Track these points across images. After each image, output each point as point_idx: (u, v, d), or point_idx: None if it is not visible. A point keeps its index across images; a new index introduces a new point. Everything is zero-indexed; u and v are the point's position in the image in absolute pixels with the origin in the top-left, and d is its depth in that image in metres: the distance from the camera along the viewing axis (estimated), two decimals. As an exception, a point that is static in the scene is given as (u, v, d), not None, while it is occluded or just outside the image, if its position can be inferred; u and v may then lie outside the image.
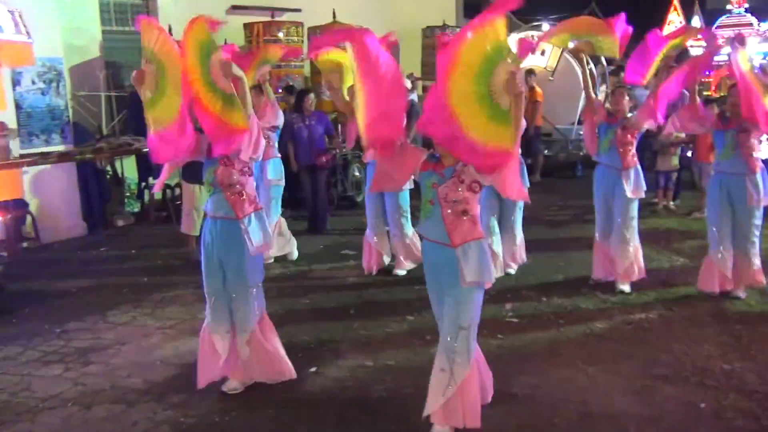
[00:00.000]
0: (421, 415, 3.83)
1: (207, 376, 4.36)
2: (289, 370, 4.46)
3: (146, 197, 9.79)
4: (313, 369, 4.67)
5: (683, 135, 8.84)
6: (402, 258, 6.81)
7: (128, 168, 9.90)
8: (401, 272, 6.81)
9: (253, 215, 4.31)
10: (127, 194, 9.98)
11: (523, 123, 5.74)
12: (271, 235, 4.49)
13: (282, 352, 4.48)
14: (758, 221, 5.78)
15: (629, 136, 5.94)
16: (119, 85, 10.33)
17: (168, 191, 9.53)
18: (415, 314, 5.65)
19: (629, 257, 6.04)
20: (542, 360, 4.71)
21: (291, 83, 10.43)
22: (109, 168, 9.59)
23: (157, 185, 4.68)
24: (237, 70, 4.10)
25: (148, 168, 9.42)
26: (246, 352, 4.35)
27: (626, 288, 6.04)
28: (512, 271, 6.66)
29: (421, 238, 3.91)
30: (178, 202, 8.91)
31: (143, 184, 9.81)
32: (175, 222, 8.07)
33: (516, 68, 3.40)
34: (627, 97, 6.22)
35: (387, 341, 5.13)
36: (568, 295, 5.99)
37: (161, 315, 5.87)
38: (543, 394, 4.21)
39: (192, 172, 7.44)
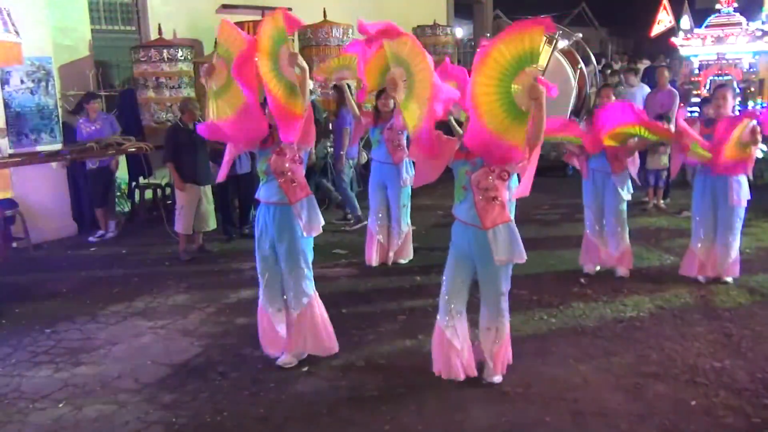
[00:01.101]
0: (413, 414, 3.84)
1: (272, 348, 4.77)
2: (335, 346, 4.83)
3: (137, 197, 9.75)
4: (304, 369, 4.67)
5: (673, 134, 8.89)
6: (400, 249, 7.05)
7: (118, 167, 9.83)
8: (403, 261, 7.08)
9: (305, 200, 4.65)
10: (118, 194, 9.91)
11: None
12: (320, 219, 4.79)
13: (330, 328, 4.82)
14: (739, 216, 6.02)
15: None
16: (109, 85, 10.28)
17: (159, 191, 9.50)
18: (407, 314, 5.65)
19: (625, 244, 6.33)
20: (533, 358, 4.72)
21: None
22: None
23: (221, 174, 4.89)
24: (302, 62, 4.45)
25: (138, 167, 9.38)
26: (300, 327, 4.70)
27: (626, 274, 6.34)
28: None
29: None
30: (169, 202, 8.89)
31: (134, 183, 9.77)
32: (166, 222, 8.04)
33: (539, 75, 3.70)
34: (613, 97, 6.29)
35: (379, 341, 5.13)
36: (559, 293, 6.01)
37: (152, 315, 5.85)
38: (534, 393, 4.22)
39: (194, 171, 7.45)
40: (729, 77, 9.99)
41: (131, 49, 9.86)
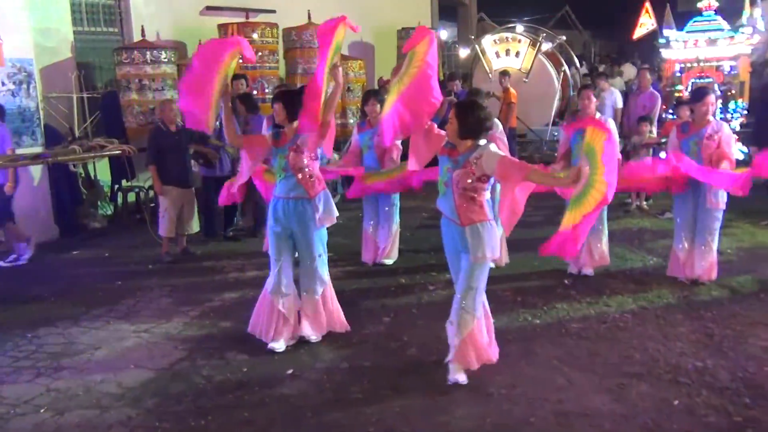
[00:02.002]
0: (398, 416, 3.84)
1: (266, 334, 5.01)
2: (345, 325, 5.29)
3: (119, 200, 9.69)
4: (289, 371, 4.66)
5: (655, 135, 8.97)
6: (389, 249, 7.10)
7: (101, 170, 9.78)
8: (388, 261, 7.13)
9: (322, 193, 5.01)
10: (101, 197, 9.85)
11: (499, 124, 5.96)
12: (334, 210, 5.12)
13: (340, 310, 5.28)
14: (718, 219, 6.09)
15: None
16: (91, 87, 10.20)
17: (141, 193, 9.45)
18: (392, 316, 5.66)
19: (601, 246, 6.46)
20: (518, 360, 4.73)
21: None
22: (81, 170, 9.46)
23: (240, 179, 5.45)
24: (339, 78, 4.89)
25: (121, 170, 9.33)
26: (316, 311, 5.10)
27: (591, 272, 6.47)
28: (492, 265, 6.77)
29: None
30: (153, 205, 8.84)
31: (116, 186, 9.71)
32: (149, 224, 7.99)
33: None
34: (594, 99, 6.34)
35: (364, 343, 5.13)
36: (543, 295, 6.03)
37: (135, 319, 5.81)
38: (519, 394, 4.23)
39: (176, 174, 7.40)
40: (710, 79, 10.10)
41: (114, 51, 9.80)
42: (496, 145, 4.33)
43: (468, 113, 4.20)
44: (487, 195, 4.30)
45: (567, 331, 5.23)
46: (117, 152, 7.75)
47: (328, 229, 5.19)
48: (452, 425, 3.90)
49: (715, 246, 6.17)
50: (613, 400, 4.13)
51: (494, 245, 4.25)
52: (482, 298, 4.41)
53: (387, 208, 6.99)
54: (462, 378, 4.29)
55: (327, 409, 4.14)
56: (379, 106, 6.61)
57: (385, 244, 7.06)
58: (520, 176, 4.12)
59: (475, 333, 4.33)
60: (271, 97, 10.05)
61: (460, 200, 4.19)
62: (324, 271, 5.13)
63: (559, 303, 5.83)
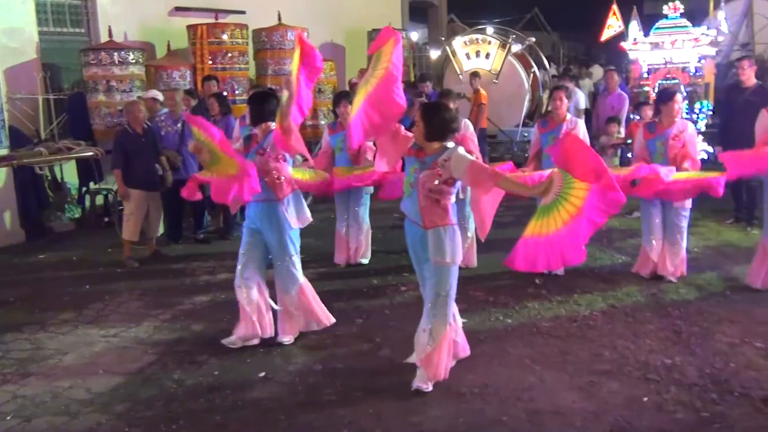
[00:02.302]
0: (372, 417, 3.84)
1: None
2: (331, 318, 5.33)
3: (87, 202, 9.54)
4: (261, 374, 4.63)
5: (622, 136, 9.09)
6: (362, 248, 7.14)
7: (68, 173, 9.63)
8: (365, 261, 7.18)
9: (290, 196, 5.03)
10: (68, 199, 9.70)
11: (470, 124, 5.98)
12: (307, 211, 5.19)
13: (322, 306, 5.31)
14: (685, 216, 6.22)
15: None
16: (58, 88, 10.04)
17: (110, 196, 9.31)
18: (364, 317, 5.65)
19: None
20: (490, 359, 4.76)
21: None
22: (47, 173, 9.30)
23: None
24: (291, 87, 4.66)
25: (89, 172, 9.19)
26: (290, 311, 5.14)
27: (561, 272, 6.50)
28: (462, 266, 6.78)
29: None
30: (121, 208, 8.72)
31: (84, 189, 9.56)
32: (118, 227, 7.88)
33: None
34: (566, 100, 6.41)
35: (336, 345, 5.12)
36: (514, 294, 6.08)
37: (104, 323, 5.73)
38: (491, 393, 4.26)
39: (142, 177, 7.30)
40: (676, 80, 10.26)
41: (80, 52, 9.66)
42: (466, 147, 4.35)
43: (433, 115, 4.19)
44: (453, 199, 4.27)
45: (538, 330, 5.27)
46: (88, 154, 7.66)
47: (300, 230, 5.17)
48: (425, 425, 3.91)
49: (684, 244, 6.29)
50: (583, 397, 4.17)
51: (456, 250, 4.22)
52: (453, 305, 4.39)
53: (357, 208, 7.00)
54: (427, 387, 4.23)
55: (300, 412, 4.12)
56: (350, 107, 6.62)
57: (357, 244, 7.08)
58: (490, 184, 4.09)
59: (447, 340, 4.32)
60: (242, 98, 10.03)
61: (425, 202, 4.16)
62: (297, 270, 5.13)
63: (530, 302, 5.88)
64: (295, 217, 5.05)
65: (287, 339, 5.11)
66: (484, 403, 4.14)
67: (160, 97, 8.45)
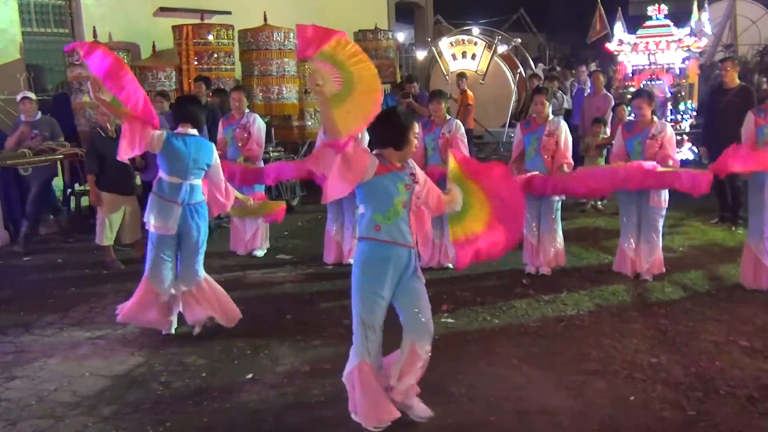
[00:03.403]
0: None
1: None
2: (237, 314, 5.40)
3: (72, 204, 9.46)
4: (249, 376, 4.61)
5: (608, 136, 9.14)
6: (355, 248, 6.99)
7: (53, 174, 9.54)
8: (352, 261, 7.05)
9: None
10: (54, 201, 9.60)
11: (461, 125, 5.91)
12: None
13: (227, 298, 5.43)
14: (661, 216, 6.28)
15: (554, 142, 6.27)
16: (41, 89, 9.96)
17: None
18: (352, 318, 5.63)
19: (557, 245, 6.56)
20: (478, 359, 4.77)
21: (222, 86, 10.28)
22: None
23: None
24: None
25: (74, 174, 9.11)
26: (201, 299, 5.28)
27: (548, 272, 6.59)
28: (450, 264, 6.89)
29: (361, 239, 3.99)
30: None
31: (69, 190, 9.48)
32: (94, 234, 7.76)
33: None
34: (547, 102, 6.46)
35: (324, 345, 5.11)
36: (502, 295, 6.09)
37: (90, 325, 5.68)
38: (479, 393, 4.27)
39: (116, 181, 7.19)
40: (660, 81, 10.35)
41: (65, 52, 9.58)
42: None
43: (375, 124, 3.70)
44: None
45: (526, 330, 5.29)
46: (70, 153, 7.51)
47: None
48: (414, 426, 3.91)
49: (660, 243, 6.35)
50: (571, 397, 4.19)
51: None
52: None
53: (353, 209, 6.97)
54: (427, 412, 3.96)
55: (288, 414, 4.11)
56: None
57: (351, 245, 7.05)
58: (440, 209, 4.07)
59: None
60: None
61: (414, 217, 3.85)
62: (201, 265, 5.37)
63: (517, 302, 5.90)
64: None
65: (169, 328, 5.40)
66: (472, 404, 4.14)
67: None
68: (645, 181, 5.95)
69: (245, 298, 6.14)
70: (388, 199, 3.74)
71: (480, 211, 4.19)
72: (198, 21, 10.78)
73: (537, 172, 6.29)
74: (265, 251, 7.65)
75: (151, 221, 5.20)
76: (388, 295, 3.87)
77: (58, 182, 9.57)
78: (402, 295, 3.89)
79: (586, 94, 10.83)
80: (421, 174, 3.91)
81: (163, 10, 11.48)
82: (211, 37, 10.29)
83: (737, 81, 8.18)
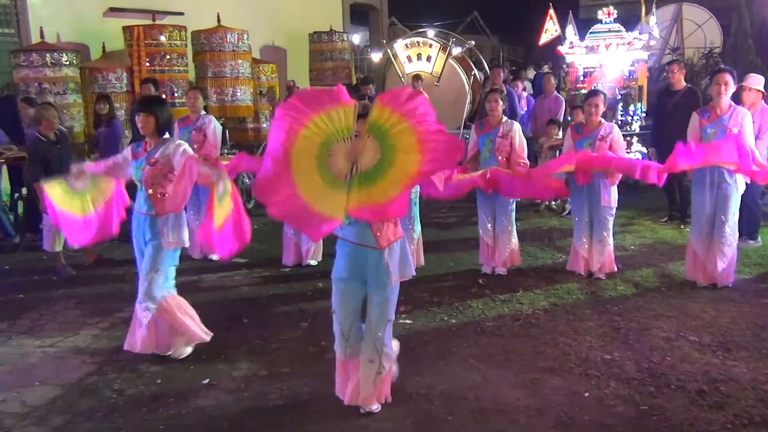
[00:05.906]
0: (319, 421, 3.82)
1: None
2: (201, 336, 4.97)
3: (20, 209, 9.20)
4: (205, 381, 4.55)
5: (561, 137, 9.29)
6: (312, 249, 7.17)
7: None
8: (313, 262, 7.19)
9: (172, 215, 4.78)
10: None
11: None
12: (183, 234, 4.92)
13: (192, 322, 4.97)
14: (612, 215, 6.45)
15: (508, 143, 6.36)
16: (-14, 91, 9.69)
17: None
18: (309, 320, 5.62)
19: (512, 245, 6.65)
20: (436, 359, 4.80)
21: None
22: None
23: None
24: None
25: (20, 178, 8.86)
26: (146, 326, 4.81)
27: (504, 272, 6.67)
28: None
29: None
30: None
31: (16, 195, 9.22)
32: (40, 240, 7.56)
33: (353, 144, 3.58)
34: (501, 102, 6.54)
35: (282, 349, 5.08)
36: (459, 295, 6.14)
37: (40, 333, 5.54)
38: (437, 393, 4.29)
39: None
40: (610, 84, 10.56)
41: (10, 53, 9.34)
42: None
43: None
44: None
45: (482, 330, 5.34)
46: (16, 157, 7.28)
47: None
48: (372, 427, 3.91)
49: (611, 241, 6.49)
50: (527, 394, 4.24)
51: (410, 263, 4.00)
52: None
53: None
54: (377, 407, 4.04)
55: (245, 418, 4.07)
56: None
57: (309, 245, 7.08)
58: None
59: (391, 366, 4.11)
60: (182, 101, 9.82)
61: (377, 223, 3.80)
62: (159, 290, 4.80)
63: (474, 302, 5.95)
64: (173, 238, 4.80)
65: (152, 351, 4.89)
66: (429, 404, 4.16)
67: None
68: (608, 162, 6.11)
69: (201, 302, 6.05)
70: None
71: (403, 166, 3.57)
72: (149, 22, 10.61)
73: (495, 167, 6.31)
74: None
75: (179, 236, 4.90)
76: (351, 295, 4.09)
77: (4, 187, 9.33)
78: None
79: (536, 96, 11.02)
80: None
81: (113, 11, 11.27)
82: (163, 38, 10.14)
83: (683, 83, 8.40)
